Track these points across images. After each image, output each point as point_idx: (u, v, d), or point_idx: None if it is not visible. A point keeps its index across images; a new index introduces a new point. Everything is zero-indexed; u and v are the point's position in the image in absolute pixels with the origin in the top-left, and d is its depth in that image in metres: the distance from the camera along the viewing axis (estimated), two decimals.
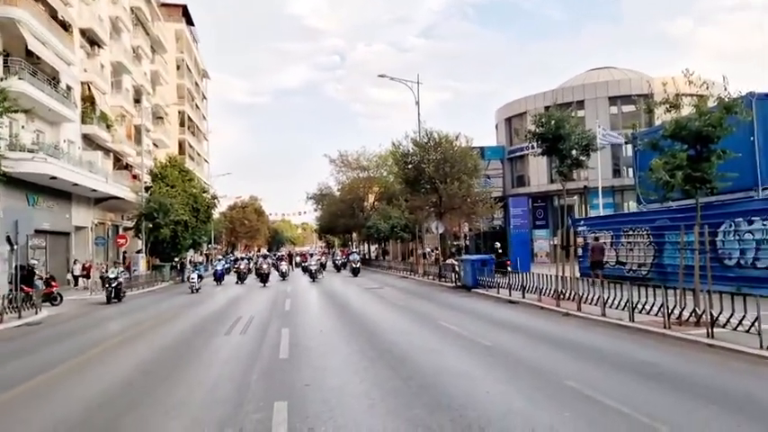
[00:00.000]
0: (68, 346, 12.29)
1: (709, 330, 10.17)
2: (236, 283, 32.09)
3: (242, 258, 41.67)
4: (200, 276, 28.53)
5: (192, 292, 26.62)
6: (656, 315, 11.83)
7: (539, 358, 9.40)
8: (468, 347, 10.53)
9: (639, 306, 12.37)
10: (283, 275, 34.31)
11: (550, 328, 12.58)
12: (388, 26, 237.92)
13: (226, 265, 40.21)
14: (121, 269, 25.47)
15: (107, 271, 26.02)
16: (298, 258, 51.98)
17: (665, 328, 11.21)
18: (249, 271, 35.96)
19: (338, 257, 47.50)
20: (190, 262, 41.72)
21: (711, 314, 10.34)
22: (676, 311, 11.58)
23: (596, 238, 22.16)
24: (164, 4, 59.04)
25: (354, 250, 55.36)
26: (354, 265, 36.89)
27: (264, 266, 30.45)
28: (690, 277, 12.21)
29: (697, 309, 11.33)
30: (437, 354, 10.04)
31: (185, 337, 13.12)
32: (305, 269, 37.08)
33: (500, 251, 28.55)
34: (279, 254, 58.32)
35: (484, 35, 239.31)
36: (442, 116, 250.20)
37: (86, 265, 30.91)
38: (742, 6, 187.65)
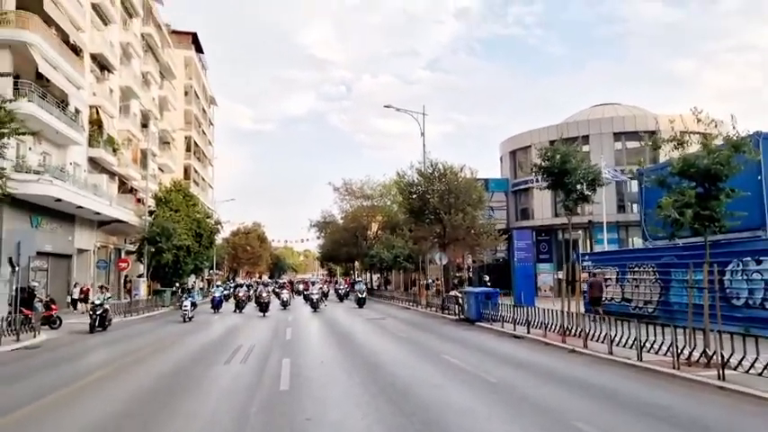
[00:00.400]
0: (64, 372, 12.07)
1: (720, 372, 9.94)
2: (235, 311, 30.63)
3: (241, 285, 39.55)
4: (193, 304, 26.69)
5: (185, 320, 24.92)
6: (665, 355, 11.59)
7: (545, 396, 9.17)
8: (473, 383, 10.30)
9: (647, 345, 12.14)
10: (284, 304, 33.09)
11: (556, 365, 12.33)
12: (394, 58, 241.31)
13: (225, 292, 38.81)
14: (108, 295, 23.00)
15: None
16: (300, 286, 50.72)
17: (674, 368, 10.97)
18: (249, 299, 34.92)
19: (341, 286, 46.23)
20: (182, 288, 39.03)
21: (722, 355, 10.11)
22: (686, 352, 11.35)
23: (594, 275, 22.07)
24: (174, 32, 59.98)
25: (359, 279, 53.61)
26: (360, 296, 35.12)
27: (264, 294, 28.74)
28: (698, 316, 12.01)
29: (707, 349, 11.10)
30: (440, 389, 9.81)
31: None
32: (306, 298, 35.58)
33: (488, 284, 32.16)
34: (280, 281, 56.73)
35: (489, 69, 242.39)
36: (446, 148, 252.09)
37: (84, 289, 30.56)
38: (744, 47, 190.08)
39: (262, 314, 27.68)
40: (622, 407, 8.48)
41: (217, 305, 31.99)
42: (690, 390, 9.71)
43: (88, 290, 30.73)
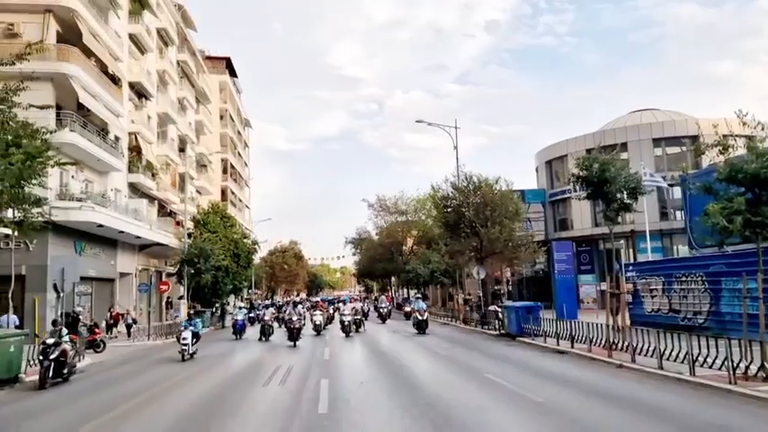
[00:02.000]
0: (111, 396, 12.14)
1: None
2: (260, 339, 25.62)
3: (266, 306, 33.90)
4: (195, 335, 19.43)
5: (183, 358, 18.26)
6: (720, 369, 11.03)
7: (596, 418, 8.78)
8: (518, 404, 9.96)
9: (700, 359, 11.59)
10: (317, 329, 27.32)
11: (604, 382, 11.87)
12: (424, 73, 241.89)
13: (250, 314, 35.19)
14: (64, 332, 14.87)
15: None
16: (341, 306, 39.79)
17: (730, 383, 10.42)
18: (281, 321, 30.01)
19: (383, 305, 39.20)
20: (194, 310, 30.99)
21: None
22: (742, 365, 10.78)
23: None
24: (208, 57, 61.35)
25: (418, 295, 42.72)
26: (420, 317, 26.59)
27: (295, 318, 23.02)
28: (753, 326, 11.43)
29: (765, 363, 10.53)
30: (484, 412, 9.51)
31: None
32: (340, 321, 28.14)
33: (500, 292, 33.68)
34: (313, 299, 49.07)
35: (520, 80, 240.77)
36: (479, 160, 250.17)
37: (114, 314, 29.58)
38: None
39: (291, 343, 22.01)
40: (679, 428, 8.04)
41: (239, 330, 27.54)
42: (748, 406, 9.19)
43: (118, 315, 29.88)
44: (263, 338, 25.62)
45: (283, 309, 35.82)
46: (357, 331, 27.47)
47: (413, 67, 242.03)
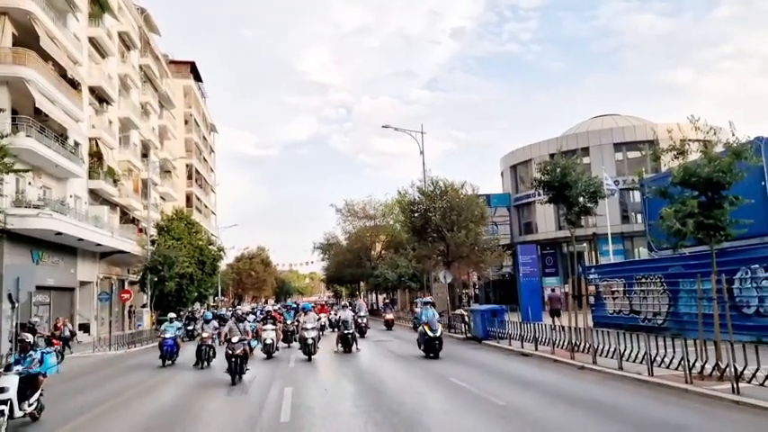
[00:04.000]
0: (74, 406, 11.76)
1: (734, 386, 9.65)
2: (197, 364, 18.08)
3: (207, 320, 20.91)
4: (28, 381, 10.29)
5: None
6: (677, 369, 11.29)
7: (556, 419, 8.88)
8: (482, 408, 10.00)
9: (658, 359, 11.84)
10: (268, 351, 19.76)
11: (566, 384, 12.03)
12: (392, 79, 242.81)
13: (189, 328, 28.52)
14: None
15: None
16: (301, 316, 22.67)
17: (686, 382, 10.67)
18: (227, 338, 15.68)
19: (362, 312, 27.93)
20: (29, 328, 18.23)
21: (735, 368, 9.83)
22: (698, 365, 11.05)
23: (552, 290, 27.17)
24: (172, 62, 60.46)
25: (426, 299, 22.79)
26: (431, 333, 17.92)
27: (235, 339, 14.67)
28: (708, 326, 11.74)
29: (719, 362, 10.81)
30: (448, 416, 9.54)
31: None
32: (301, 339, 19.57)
33: (465, 296, 34.22)
34: (265, 309, 31.26)
35: (487, 86, 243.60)
36: (447, 165, 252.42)
37: (58, 325, 25.42)
38: (742, 54, 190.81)
39: (231, 378, 14.29)
40: (637, 428, 8.19)
41: (168, 353, 19.28)
42: (703, 405, 9.42)
43: (61, 325, 25.34)
44: (200, 364, 18.06)
45: (224, 320, 22.86)
46: (349, 351, 20.34)
47: (381, 73, 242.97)
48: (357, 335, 22.06)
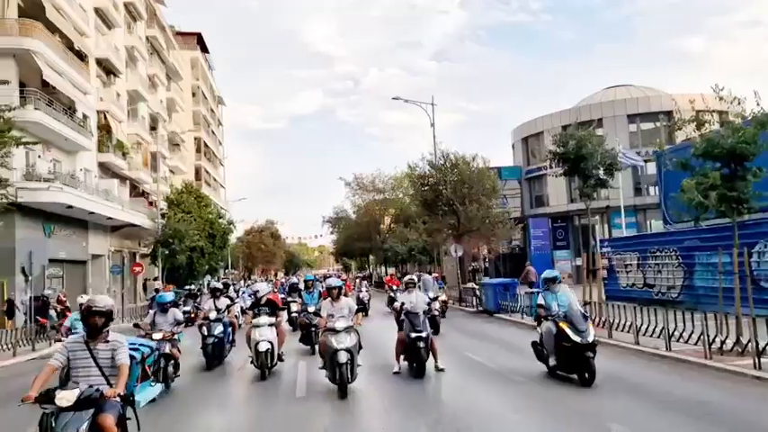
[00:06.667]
0: None
1: (756, 361, 9.49)
2: (207, 367, 12.36)
3: (174, 304, 11.79)
4: None
5: None
6: (696, 344, 11.13)
7: (575, 396, 8.75)
8: (499, 384, 9.91)
9: (676, 334, 11.68)
10: (262, 365, 10.96)
11: None
12: (400, 50, 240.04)
13: (186, 308, 19.71)
14: None
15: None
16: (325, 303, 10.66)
17: (706, 358, 10.51)
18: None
19: (430, 292, 17.32)
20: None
21: (757, 343, 9.66)
22: (717, 340, 10.88)
23: (529, 264, 26.47)
24: (179, 33, 59.82)
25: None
26: (579, 338, 9.49)
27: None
28: (727, 300, 11.54)
29: (740, 337, 10.63)
30: (466, 392, 9.44)
31: None
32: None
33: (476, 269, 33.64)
34: (253, 289, 15.83)
35: (497, 57, 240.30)
36: (457, 137, 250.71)
37: (60, 298, 22.29)
38: (754, 23, 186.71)
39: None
40: (655, 404, 8.05)
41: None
42: (724, 381, 9.27)
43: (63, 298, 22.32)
44: (211, 361, 12.43)
45: (196, 305, 20.21)
46: (422, 375, 10.75)
47: (387, 44, 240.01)
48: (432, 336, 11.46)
